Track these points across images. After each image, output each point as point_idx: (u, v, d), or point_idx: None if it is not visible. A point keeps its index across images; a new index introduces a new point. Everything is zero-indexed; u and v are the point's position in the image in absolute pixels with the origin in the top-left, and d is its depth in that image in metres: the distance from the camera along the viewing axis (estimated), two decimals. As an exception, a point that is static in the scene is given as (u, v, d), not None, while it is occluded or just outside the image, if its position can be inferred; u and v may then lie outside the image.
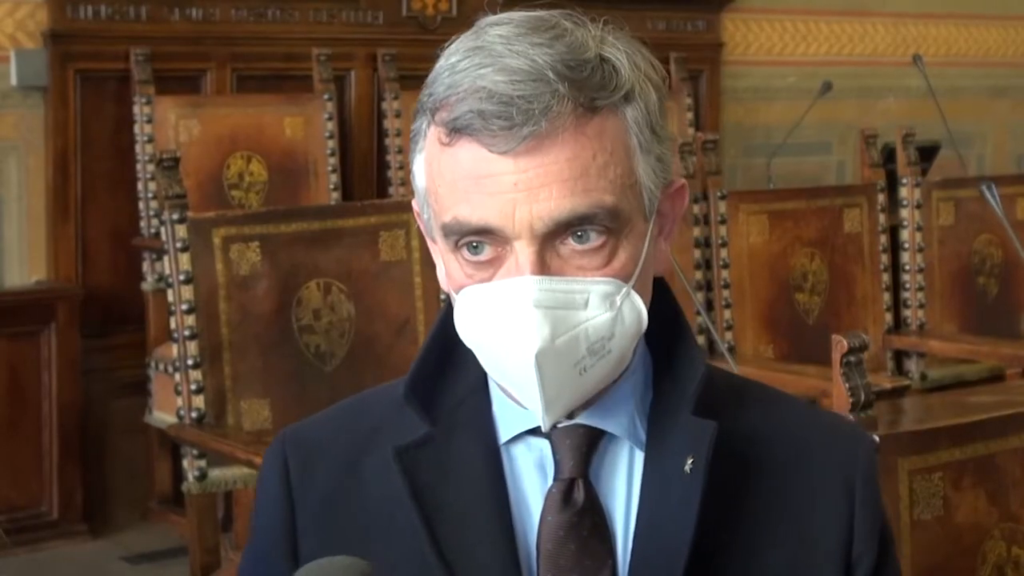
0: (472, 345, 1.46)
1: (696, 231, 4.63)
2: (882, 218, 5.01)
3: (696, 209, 4.63)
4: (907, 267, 5.05)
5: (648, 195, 1.45)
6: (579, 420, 1.47)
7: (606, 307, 1.41)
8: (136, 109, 5.40)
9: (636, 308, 1.43)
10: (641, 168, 1.43)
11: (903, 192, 5.06)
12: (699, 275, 4.63)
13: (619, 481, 1.49)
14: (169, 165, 3.91)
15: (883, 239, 5.00)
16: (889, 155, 5.45)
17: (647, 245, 1.45)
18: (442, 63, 1.42)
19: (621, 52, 1.43)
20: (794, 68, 7.40)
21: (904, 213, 5.05)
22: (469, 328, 1.45)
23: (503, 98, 1.36)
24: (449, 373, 1.53)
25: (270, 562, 1.55)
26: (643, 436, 1.49)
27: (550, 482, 1.48)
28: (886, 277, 4.99)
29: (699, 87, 6.92)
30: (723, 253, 4.64)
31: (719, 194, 4.67)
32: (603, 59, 1.42)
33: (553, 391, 1.40)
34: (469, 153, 1.39)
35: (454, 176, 1.40)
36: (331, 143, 5.68)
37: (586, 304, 1.40)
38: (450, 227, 1.41)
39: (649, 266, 1.47)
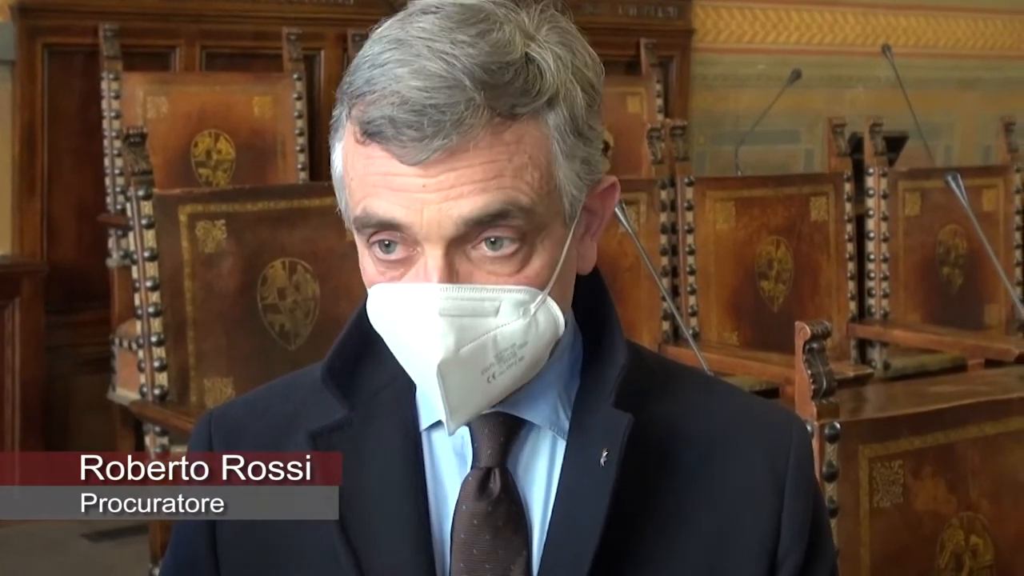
0: (385, 340, 1.44)
1: (663, 217, 4.63)
2: (848, 207, 5.03)
3: (663, 195, 4.64)
4: (872, 256, 5.07)
5: (570, 200, 1.40)
6: (499, 408, 1.44)
7: (519, 314, 1.38)
8: (104, 85, 5.37)
9: (552, 314, 1.40)
10: (562, 174, 1.39)
11: (870, 182, 5.09)
12: (665, 261, 4.63)
13: (539, 471, 1.47)
14: (136, 141, 3.89)
15: (849, 228, 5.02)
16: (856, 145, 5.46)
17: (566, 250, 1.41)
18: (366, 50, 1.38)
19: (548, 51, 1.38)
20: (764, 56, 7.41)
21: (870, 203, 5.08)
22: (379, 325, 1.42)
23: (415, 107, 1.32)
24: (371, 358, 1.50)
25: (190, 542, 1.54)
26: (566, 425, 1.46)
27: (469, 470, 1.46)
28: (851, 266, 5.00)
29: (669, 74, 6.93)
30: (689, 239, 4.65)
31: (686, 181, 4.68)
32: (528, 59, 1.36)
33: (457, 399, 1.37)
34: (380, 156, 1.36)
35: (366, 171, 1.37)
36: (299, 123, 5.67)
37: (496, 311, 1.37)
38: (360, 220, 1.38)
39: (569, 270, 1.43)
